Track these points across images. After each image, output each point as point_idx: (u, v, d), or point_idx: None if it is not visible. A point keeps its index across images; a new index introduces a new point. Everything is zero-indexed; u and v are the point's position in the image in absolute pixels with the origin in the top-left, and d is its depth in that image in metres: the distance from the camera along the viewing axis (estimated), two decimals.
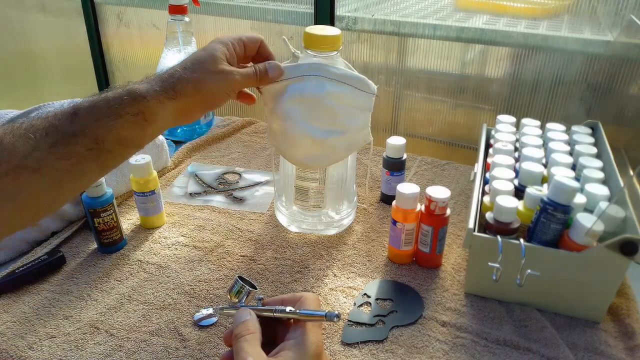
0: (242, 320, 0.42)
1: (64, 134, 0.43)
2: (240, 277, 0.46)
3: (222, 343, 0.54)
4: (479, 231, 0.59)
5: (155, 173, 0.72)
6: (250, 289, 0.45)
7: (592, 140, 0.74)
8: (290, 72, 0.60)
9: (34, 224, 0.50)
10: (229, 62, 0.53)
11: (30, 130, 0.42)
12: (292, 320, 0.43)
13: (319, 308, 0.43)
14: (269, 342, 0.42)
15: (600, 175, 0.64)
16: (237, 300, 0.45)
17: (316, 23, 1.12)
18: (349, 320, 0.58)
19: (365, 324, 0.57)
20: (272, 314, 0.43)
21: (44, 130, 0.43)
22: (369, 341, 0.55)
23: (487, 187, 0.66)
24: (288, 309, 0.42)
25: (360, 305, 0.60)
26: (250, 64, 0.58)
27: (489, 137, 0.84)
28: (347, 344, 0.55)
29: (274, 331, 0.44)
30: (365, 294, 0.62)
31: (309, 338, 0.40)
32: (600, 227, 0.53)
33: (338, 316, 0.40)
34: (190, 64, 0.51)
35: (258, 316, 0.43)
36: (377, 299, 0.61)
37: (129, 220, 0.76)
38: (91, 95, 0.47)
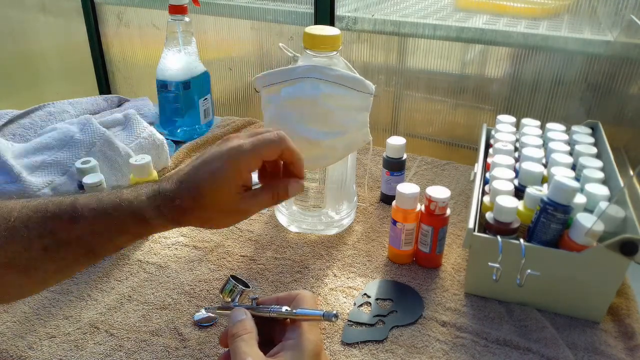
0: (237, 320, 0.41)
1: (59, 241, 0.42)
2: (232, 276, 0.45)
3: None
4: (479, 231, 0.59)
5: (155, 173, 0.72)
6: (243, 288, 0.45)
7: (592, 140, 0.74)
8: (286, 74, 0.60)
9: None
10: (244, 185, 0.46)
11: (25, 228, 0.41)
12: (289, 319, 0.42)
13: (316, 306, 0.43)
14: (266, 342, 0.41)
15: (600, 175, 0.64)
16: (230, 299, 0.45)
17: (316, 23, 1.12)
18: (349, 320, 0.58)
19: (365, 324, 0.57)
20: (267, 314, 0.42)
21: (39, 230, 0.41)
22: (368, 341, 0.55)
23: (487, 187, 0.66)
24: (284, 308, 0.42)
25: (360, 305, 0.60)
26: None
27: (489, 137, 0.84)
28: (347, 343, 0.55)
29: (271, 330, 0.43)
30: (365, 294, 0.62)
31: (309, 337, 0.40)
32: (600, 227, 0.53)
33: (336, 316, 0.40)
34: (199, 197, 0.44)
35: (253, 316, 0.42)
36: (377, 299, 0.61)
37: (11, 197, 0.76)
38: (94, 196, 0.44)
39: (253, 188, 0.48)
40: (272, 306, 0.42)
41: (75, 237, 0.42)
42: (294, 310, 0.41)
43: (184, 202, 0.44)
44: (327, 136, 0.61)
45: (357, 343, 0.55)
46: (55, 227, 0.42)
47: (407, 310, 0.59)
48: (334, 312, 0.40)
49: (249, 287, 0.45)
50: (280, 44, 0.64)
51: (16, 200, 0.44)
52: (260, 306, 0.43)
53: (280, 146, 0.47)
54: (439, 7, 1.06)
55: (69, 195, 0.45)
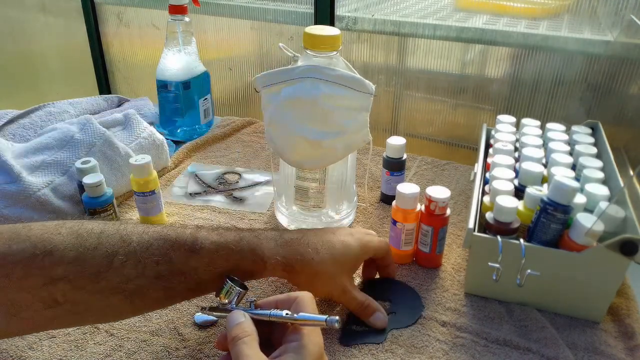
0: (236, 322, 0.41)
1: (174, 270, 0.42)
2: (229, 278, 0.44)
3: None
4: (479, 231, 0.59)
5: (155, 173, 0.72)
6: (241, 289, 0.44)
7: (592, 140, 0.74)
8: (286, 75, 0.60)
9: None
10: (354, 269, 0.56)
11: (145, 253, 0.41)
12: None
13: (315, 308, 0.42)
14: (265, 343, 0.41)
15: (600, 175, 0.64)
16: (227, 301, 0.44)
17: (316, 23, 1.12)
18: (346, 322, 0.58)
19: (363, 326, 0.57)
20: (267, 318, 0.41)
21: (157, 257, 0.42)
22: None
23: (487, 187, 0.66)
24: (284, 312, 0.41)
25: None
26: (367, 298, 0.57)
27: (489, 137, 0.84)
28: (346, 344, 0.55)
29: (270, 332, 0.43)
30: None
31: (311, 340, 0.40)
32: (600, 227, 0.53)
33: (339, 322, 0.39)
34: (325, 253, 0.51)
35: (252, 319, 0.42)
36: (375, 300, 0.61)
37: (129, 220, 0.76)
38: (217, 229, 0.46)
39: None
40: (272, 310, 0.42)
41: (191, 268, 0.43)
42: (295, 315, 0.41)
43: (307, 249, 0.49)
44: (326, 136, 0.62)
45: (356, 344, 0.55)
46: (174, 255, 0.42)
47: (406, 311, 0.59)
48: (337, 317, 0.39)
49: (246, 288, 0.45)
50: (280, 44, 0.64)
51: (134, 225, 0.44)
52: (259, 310, 0.43)
53: (386, 251, 0.60)
54: (439, 7, 1.06)
55: (190, 227, 0.46)
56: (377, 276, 0.64)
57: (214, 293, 0.46)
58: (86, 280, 0.40)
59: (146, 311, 0.47)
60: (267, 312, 0.42)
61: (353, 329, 0.57)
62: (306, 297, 0.43)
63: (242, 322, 0.41)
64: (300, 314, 0.40)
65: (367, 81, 0.62)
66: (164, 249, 0.42)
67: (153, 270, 0.41)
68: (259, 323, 0.41)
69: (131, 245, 0.41)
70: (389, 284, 0.63)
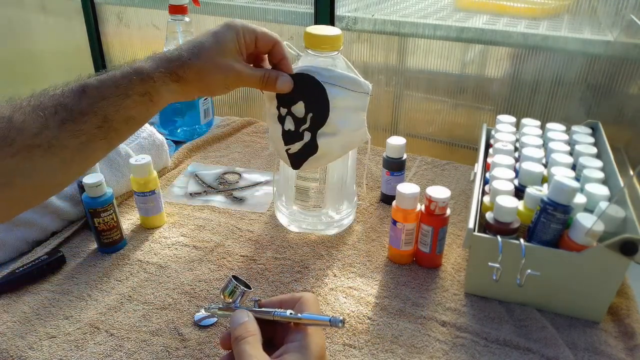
0: (240, 322, 0.41)
1: (73, 112, 0.44)
2: (234, 277, 0.44)
3: None
4: (479, 231, 0.59)
5: (155, 173, 0.72)
6: (245, 289, 0.44)
7: (592, 140, 0.74)
8: None
9: (42, 201, 0.51)
10: (240, 53, 0.53)
11: (39, 107, 0.42)
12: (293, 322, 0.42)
13: (319, 309, 0.42)
14: (267, 343, 0.41)
15: (600, 175, 0.64)
16: (231, 300, 0.44)
17: (316, 23, 1.12)
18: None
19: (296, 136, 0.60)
20: (271, 317, 0.41)
21: (53, 107, 0.43)
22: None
23: (487, 187, 0.66)
24: (289, 312, 0.41)
25: (285, 119, 0.62)
26: (266, 64, 0.58)
27: (489, 137, 0.84)
28: (347, 344, 0.55)
29: (273, 332, 0.43)
30: (279, 106, 0.62)
31: (313, 340, 0.39)
32: (600, 227, 0.53)
33: (343, 322, 0.39)
34: (197, 50, 0.51)
35: (256, 318, 0.42)
36: (290, 108, 0.61)
37: (129, 220, 0.76)
38: (98, 73, 0.47)
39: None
40: (276, 309, 0.42)
41: (87, 104, 0.44)
42: (300, 315, 0.41)
43: (182, 53, 0.50)
44: (321, 137, 0.61)
45: (357, 342, 0.55)
46: (67, 101, 0.44)
47: (319, 106, 0.60)
48: (341, 317, 0.39)
49: (250, 288, 0.45)
50: (285, 42, 0.64)
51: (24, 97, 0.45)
52: (263, 309, 0.43)
53: (274, 40, 0.55)
54: (439, 7, 1.06)
55: (75, 80, 0.47)
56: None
57: (218, 292, 0.45)
58: None
59: (77, 167, 0.47)
60: (271, 311, 0.42)
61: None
62: (310, 298, 0.43)
63: (246, 322, 0.41)
64: (304, 313, 0.41)
65: (363, 80, 0.62)
66: (56, 99, 0.44)
67: (55, 119, 0.43)
68: (262, 323, 0.42)
69: (22, 105, 0.43)
70: (296, 83, 0.59)
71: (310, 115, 0.60)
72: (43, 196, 0.47)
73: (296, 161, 0.64)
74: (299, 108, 0.60)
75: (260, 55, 0.57)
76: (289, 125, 0.61)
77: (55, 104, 0.43)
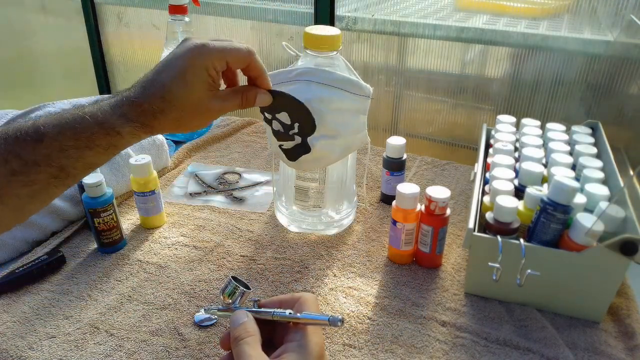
0: (240, 322, 0.41)
1: (27, 163, 0.41)
2: (233, 278, 0.44)
3: None
4: (479, 231, 0.59)
5: (155, 173, 0.72)
6: (245, 289, 0.44)
7: (592, 140, 0.74)
8: (284, 76, 0.60)
9: None
10: (212, 86, 0.47)
11: None
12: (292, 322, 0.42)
13: (318, 309, 0.42)
14: (267, 343, 0.41)
15: (600, 175, 0.64)
16: (230, 301, 0.44)
17: (316, 23, 1.12)
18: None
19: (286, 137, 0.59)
20: (270, 317, 0.42)
21: (3, 156, 0.40)
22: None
23: (487, 187, 0.66)
24: (288, 312, 0.41)
25: (271, 122, 0.60)
26: (242, 83, 0.52)
27: (489, 137, 0.84)
28: (347, 344, 0.55)
29: (272, 332, 0.43)
30: (262, 110, 0.60)
31: (312, 339, 0.40)
32: (600, 227, 0.53)
33: (342, 321, 0.39)
34: (169, 97, 0.45)
35: (255, 318, 0.42)
36: (274, 115, 0.60)
37: (129, 220, 0.76)
38: (57, 114, 0.43)
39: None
40: (276, 309, 0.42)
41: (43, 156, 0.41)
42: (299, 314, 0.41)
43: (152, 104, 0.44)
44: (318, 139, 0.61)
45: (357, 342, 0.55)
46: (19, 150, 0.41)
47: (304, 120, 0.59)
48: (340, 317, 0.39)
49: (249, 288, 0.45)
50: (284, 43, 0.64)
51: None
52: (263, 309, 0.43)
53: (247, 57, 0.48)
54: (439, 7, 1.06)
55: (27, 118, 0.44)
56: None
57: (218, 292, 0.45)
58: None
59: (29, 211, 0.44)
60: (271, 311, 0.42)
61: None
62: (309, 298, 0.43)
63: (245, 322, 0.41)
64: (304, 313, 0.41)
65: (364, 84, 0.62)
66: (8, 146, 0.41)
67: (5, 169, 0.40)
68: (261, 323, 0.42)
69: None
70: (275, 99, 0.56)
71: (297, 124, 0.60)
72: None
73: (290, 156, 0.64)
74: (284, 116, 0.60)
75: (233, 74, 0.52)
76: (277, 127, 0.61)
77: (7, 151, 0.40)
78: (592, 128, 0.79)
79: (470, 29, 0.99)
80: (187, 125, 0.48)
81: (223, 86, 0.51)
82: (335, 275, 0.65)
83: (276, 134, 0.62)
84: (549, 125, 0.79)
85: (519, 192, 0.63)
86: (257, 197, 0.83)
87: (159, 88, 0.45)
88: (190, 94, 0.46)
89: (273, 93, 0.54)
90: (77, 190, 0.73)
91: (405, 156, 0.78)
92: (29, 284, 0.63)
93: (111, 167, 0.77)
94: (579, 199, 0.58)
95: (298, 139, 0.61)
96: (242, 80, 0.53)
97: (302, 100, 0.57)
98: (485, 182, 0.69)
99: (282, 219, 0.75)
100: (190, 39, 0.47)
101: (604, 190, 0.60)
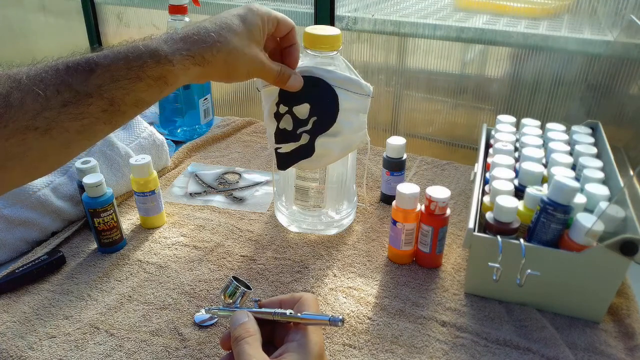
0: (240, 322, 0.41)
1: (78, 93, 0.40)
2: (234, 278, 0.45)
3: None
4: (479, 231, 0.59)
5: (155, 173, 0.72)
6: (245, 289, 0.44)
7: (592, 140, 0.74)
8: None
9: (33, 180, 0.48)
10: (262, 41, 0.52)
11: (40, 85, 0.38)
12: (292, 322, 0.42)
13: (318, 309, 0.42)
14: (267, 343, 0.41)
15: (600, 175, 0.64)
16: (231, 301, 0.44)
17: (316, 23, 1.12)
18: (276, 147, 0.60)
19: (291, 137, 0.59)
20: (271, 317, 0.42)
21: (56, 87, 0.39)
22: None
23: (487, 187, 0.66)
24: (288, 312, 0.41)
25: (282, 117, 0.61)
26: (279, 62, 0.56)
27: (489, 137, 0.84)
28: (347, 344, 0.55)
29: (272, 332, 0.43)
30: (279, 102, 0.61)
31: (312, 339, 0.40)
32: (600, 227, 0.53)
33: (342, 321, 0.39)
34: (226, 32, 0.47)
35: (256, 318, 0.42)
36: (292, 107, 0.60)
37: (129, 220, 0.76)
38: (108, 48, 0.43)
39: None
40: (276, 309, 0.42)
41: (94, 86, 0.40)
42: (299, 314, 0.41)
43: (210, 33, 0.46)
44: (321, 138, 0.61)
45: (357, 342, 0.55)
46: (72, 80, 0.40)
47: (327, 112, 0.59)
48: (340, 317, 0.39)
49: (250, 288, 0.45)
50: None
51: (19, 67, 0.40)
52: (263, 309, 0.43)
53: (291, 24, 0.56)
54: (439, 7, 1.06)
55: (79, 53, 0.43)
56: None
57: (219, 292, 0.45)
58: None
59: (75, 149, 0.43)
60: (271, 311, 0.42)
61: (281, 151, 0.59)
62: (309, 298, 0.43)
63: (246, 322, 0.41)
64: (304, 313, 0.41)
65: (364, 82, 0.62)
66: (59, 76, 0.39)
67: (57, 100, 0.39)
68: (262, 323, 0.42)
69: (22, 82, 0.38)
70: (305, 86, 0.59)
71: (314, 119, 0.60)
72: (35, 176, 0.43)
73: (283, 162, 0.64)
74: (303, 109, 0.60)
75: (274, 39, 0.56)
76: (285, 124, 0.61)
77: (59, 82, 0.39)
78: (592, 128, 0.79)
79: (470, 29, 0.99)
80: (235, 66, 0.49)
81: None
82: (335, 275, 0.65)
83: (279, 134, 0.62)
84: (549, 125, 0.79)
85: (519, 192, 0.63)
86: (257, 197, 0.83)
87: (215, 22, 0.48)
88: (247, 33, 0.49)
89: (306, 79, 0.55)
90: (77, 190, 0.73)
91: (405, 156, 0.78)
92: (29, 284, 0.63)
93: (111, 167, 0.77)
94: (579, 199, 0.58)
95: (305, 139, 0.61)
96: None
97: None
98: (485, 182, 0.69)
99: (282, 219, 0.75)
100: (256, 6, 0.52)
101: (604, 190, 0.60)
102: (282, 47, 0.57)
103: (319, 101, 0.59)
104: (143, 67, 0.42)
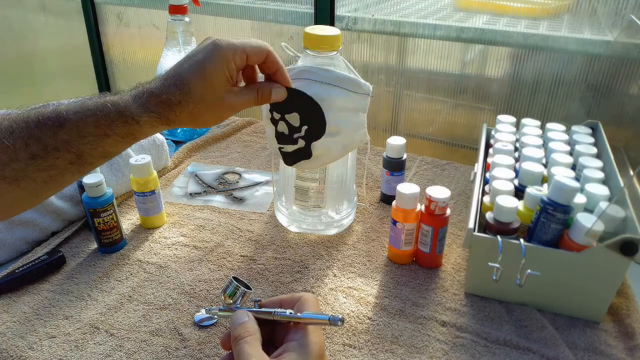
0: (240, 322, 0.41)
1: (47, 147, 0.41)
2: (234, 278, 0.45)
3: None
4: (479, 231, 0.59)
5: (155, 173, 0.72)
6: (245, 290, 0.44)
7: (592, 140, 0.74)
8: None
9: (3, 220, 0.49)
10: (230, 81, 0.48)
11: (10, 138, 0.40)
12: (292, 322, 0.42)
13: (318, 308, 0.42)
14: (267, 343, 0.41)
15: (600, 175, 0.64)
16: (231, 301, 0.44)
17: (316, 23, 1.12)
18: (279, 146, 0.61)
19: (289, 140, 0.59)
20: (271, 316, 0.42)
21: (24, 140, 0.41)
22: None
23: (487, 187, 0.66)
24: (288, 312, 0.41)
25: (278, 123, 0.61)
26: (260, 78, 0.54)
27: (489, 137, 0.84)
28: (347, 344, 0.55)
29: (272, 332, 0.43)
30: (271, 109, 0.61)
31: (312, 339, 0.40)
32: (600, 227, 0.53)
33: (342, 321, 0.39)
34: (187, 89, 0.46)
35: (256, 318, 0.42)
36: (284, 115, 0.60)
37: (129, 220, 0.76)
38: (78, 101, 0.44)
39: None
40: (276, 309, 0.42)
41: (63, 141, 0.42)
42: (299, 314, 0.41)
43: (171, 96, 0.45)
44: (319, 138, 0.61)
45: (357, 342, 0.55)
46: (40, 134, 0.41)
47: (315, 123, 0.59)
48: (340, 316, 0.39)
49: (250, 289, 0.45)
50: (283, 44, 0.64)
51: None
52: (263, 309, 0.43)
53: (265, 51, 0.50)
54: (439, 7, 1.06)
55: (48, 104, 0.44)
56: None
57: (219, 292, 0.45)
58: None
59: (43, 196, 0.45)
60: (271, 311, 0.42)
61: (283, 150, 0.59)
62: (310, 297, 0.43)
63: (246, 322, 0.41)
64: (304, 313, 0.41)
65: (363, 82, 0.62)
66: (29, 130, 0.41)
67: (25, 152, 0.41)
68: (262, 323, 0.42)
69: None
70: (290, 97, 0.56)
71: (306, 127, 0.60)
72: (7, 218, 0.46)
73: (289, 160, 0.64)
74: (294, 117, 0.60)
75: (251, 69, 0.52)
76: (282, 128, 0.61)
77: (28, 135, 0.41)
78: (592, 128, 0.79)
79: (470, 29, 0.99)
80: (203, 119, 0.49)
81: (243, 84, 0.52)
82: (335, 275, 0.65)
83: (279, 136, 0.62)
84: (549, 125, 0.79)
85: (519, 192, 0.63)
86: (257, 197, 0.83)
87: (178, 80, 0.46)
88: (207, 87, 0.47)
89: (289, 90, 0.54)
90: (77, 190, 0.73)
91: (405, 156, 0.78)
92: (29, 284, 0.63)
93: (111, 167, 0.77)
94: (579, 199, 0.58)
95: (301, 143, 0.61)
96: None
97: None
98: (485, 182, 0.69)
99: (282, 219, 0.75)
100: (211, 37, 0.49)
101: (604, 190, 0.60)
102: (266, 74, 0.53)
103: (306, 111, 0.59)
104: (111, 125, 0.44)
